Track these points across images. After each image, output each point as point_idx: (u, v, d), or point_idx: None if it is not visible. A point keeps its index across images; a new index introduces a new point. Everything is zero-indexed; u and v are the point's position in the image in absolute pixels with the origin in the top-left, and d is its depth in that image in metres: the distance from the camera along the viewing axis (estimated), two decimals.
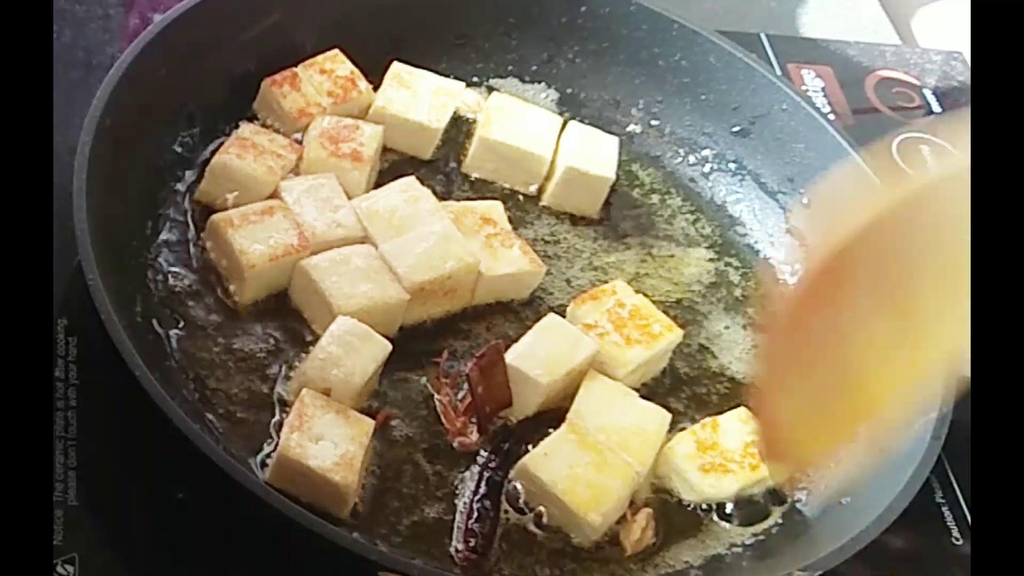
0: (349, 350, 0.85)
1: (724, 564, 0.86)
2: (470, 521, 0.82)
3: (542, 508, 0.84)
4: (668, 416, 0.89)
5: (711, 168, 1.12)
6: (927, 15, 1.49)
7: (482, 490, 0.84)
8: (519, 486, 0.85)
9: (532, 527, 0.83)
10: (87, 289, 0.78)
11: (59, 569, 0.77)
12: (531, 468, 0.84)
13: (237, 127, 0.99)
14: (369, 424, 0.82)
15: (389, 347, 0.86)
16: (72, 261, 0.81)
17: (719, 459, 0.88)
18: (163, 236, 0.92)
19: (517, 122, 1.05)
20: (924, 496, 0.84)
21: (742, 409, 0.91)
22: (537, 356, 0.88)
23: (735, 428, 0.89)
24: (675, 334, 0.94)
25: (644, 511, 0.86)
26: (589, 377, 0.89)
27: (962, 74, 1.37)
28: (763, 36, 1.32)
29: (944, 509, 0.95)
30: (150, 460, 0.81)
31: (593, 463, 0.84)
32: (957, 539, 0.94)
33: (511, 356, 0.88)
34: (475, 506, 0.83)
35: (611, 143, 1.07)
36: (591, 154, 1.05)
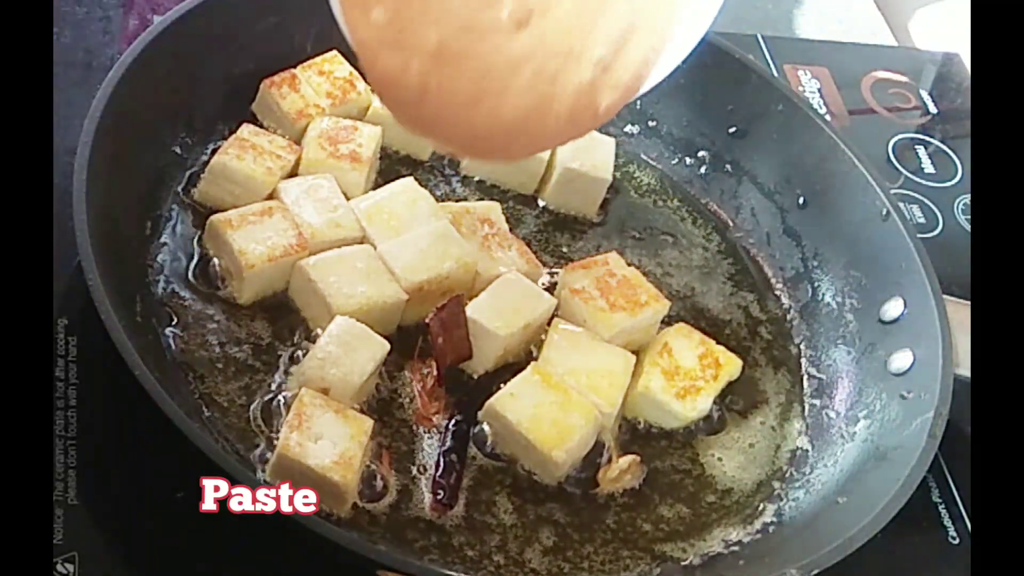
0: (348, 350, 0.85)
1: (721, 563, 0.86)
2: (437, 473, 0.84)
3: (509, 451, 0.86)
4: (633, 358, 0.92)
5: (707, 169, 1.12)
6: (923, 16, 1.49)
7: (448, 443, 0.85)
8: (487, 428, 0.87)
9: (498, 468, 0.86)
10: (87, 289, 0.78)
11: (59, 568, 0.77)
12: (498, 408, 0.86)
13: (236, 128, 0.99)
14: (368, 423, 0.83)
15: (387, 347, 0.87)
16: (72, 261, 0.81)
17: (687, 381, 0.92)
18: (163, 236, 0.92)
19: None
20: (921, 495, 0.85)
21: (680, 325, 0.96)
22: (496, 309, 0.90)
23: (683, 345, 0.94)
24: (661, 304, 0.96)
25: (630, 457, 0.88)
26: (554, 326, 0.91)
27: (958, 75, 1.37)
28: (760, 37, 1.33)
29: (941, 508, 0.96)
30: (150, 460, 0.81)
31: (558, 403, 0.86)
32: (954, 538, 0.94)
33: (471, 309, 0.89)
34: (441, 459, 0.84)
35: (608, 144, 1.07)
36: (588, 156, 1.05)
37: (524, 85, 0.78)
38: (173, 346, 0.86)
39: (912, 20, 1.49)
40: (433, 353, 0.88)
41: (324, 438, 0.80)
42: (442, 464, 0.84)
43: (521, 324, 0.90)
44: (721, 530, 0.88)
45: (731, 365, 0.95)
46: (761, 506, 0.90)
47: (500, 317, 0.89)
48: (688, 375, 0.93)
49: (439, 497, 0.83)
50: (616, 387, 0.89)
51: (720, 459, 0.92)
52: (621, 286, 0.95)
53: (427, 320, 0.88)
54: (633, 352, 0.93)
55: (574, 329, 0.92)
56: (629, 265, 0.98)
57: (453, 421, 0.87)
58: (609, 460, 0.88)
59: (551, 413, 0.85)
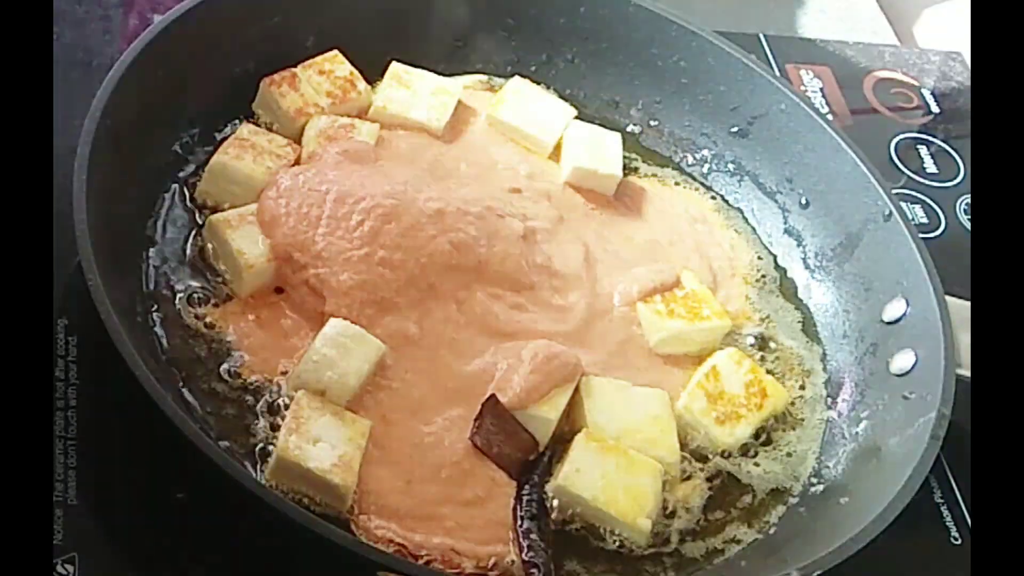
0: (343, 352, 0.85)
1: (724, 563, 0.86)
2: (524, 555, 0.81)
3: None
4: (667, 394, 0.91)
5: (710, 168, 1.12)
6: (925, 16, 1.49)
7: (525, 525, 0.83)
8: (555, 502, 0.85)
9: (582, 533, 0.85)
10: (87, 289, 0.78)
11: (59, 569, 0.77)
12: (568, 487, 0.84)
13: (236, 127, 0.99)
14: (366, 425, 0.83)
15: (383, 347, 0.86)
16: (72, 261, 0.81)
17: (729, 407, 0.92)
18: (163, 236, 0.92)
19: (528, 107, 1.07)
20: (923, 496, 0.85)
21: (733, 350, 0.95)
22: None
23: (731, 370, 0.93)
24: (723, 322, 0.96)
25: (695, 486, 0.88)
26: (584, 387, 0.89)
27: (960, 74, 1.37)
28: (762, 36, 1.33)
29: (943, 509, 0.95)
30: (150, 460, 0.81)
31: (622, 466, 0.85)
32: (956, 539, 0.94)
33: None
34: (524, 542, 0.82)
35: (614, 139, 1.07)
36: (596, 152, 1.05)
37: None
38: (172, 345, 0.86)
39: (914, 19, 1.49)
40: (500, 464, 0.86)
41: (323, 440, 0.80)
42: (526, 546, 0.82)
43: (565, 400, 0.88)
44: (731, 529, 0.88)
45: (777, 397, 0.94)
46: (771, 508, 0.90)
47: (547, 401, 0.88)
48: (731, 401, 0.92)
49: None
50: (667, 432, 0.89)
51: (758, 464, 0.92)
52: (686, 299, 0.97)
53: (470, 438, 0.86)
54: (691, 361, 0.94)
55: (600, 380, 0.90)
56: None
57: (524, 495, 0.84)
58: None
59: (621, 480, 0.85)
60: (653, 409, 0.90)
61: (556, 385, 0.88)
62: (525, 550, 0.81)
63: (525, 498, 0.84)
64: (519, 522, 0.83)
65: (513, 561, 0.81)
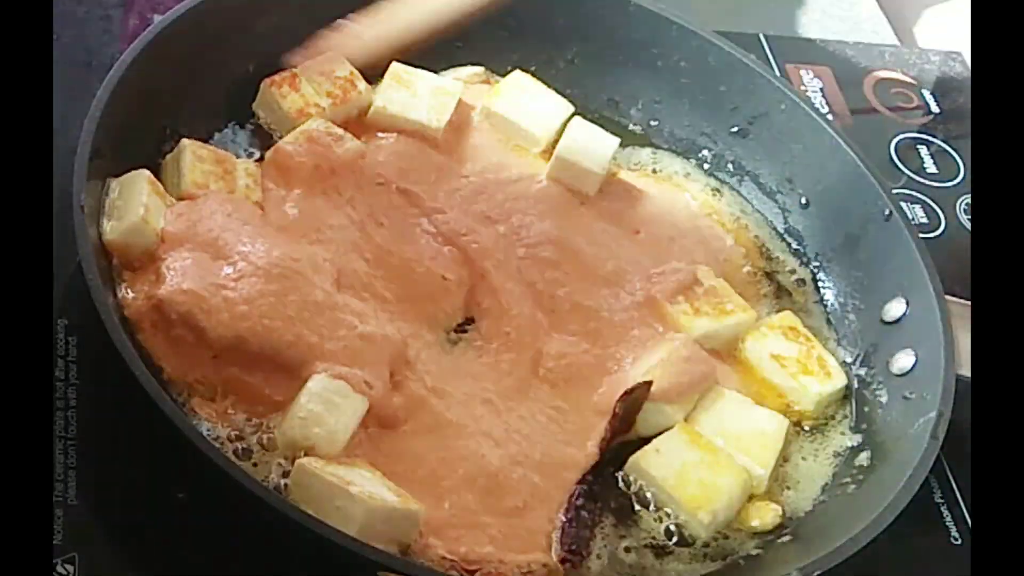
0: (330, 407, 0.81)
1: (724, 564, 0.86)
2: (568, 526, 0.82)
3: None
4: (787, 421, 0.91)
5: (709, 169, 1.12)
6: (925, 16, 1.49)
7: (579, 500, 0.84)
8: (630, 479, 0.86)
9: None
10: (87, 289, 0.78)
11: (59, 569, 0.77)
12: (642, 464, 0.86)
13: (237, 127, 0.99)
14: (363, 463, 0.80)
15: (367, 403, 0.83)
16: (72, 261, 0.81)
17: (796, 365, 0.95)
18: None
19: (524, 101, 1.06)
20: (923, 496, 0.85)
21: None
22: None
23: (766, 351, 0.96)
24: (749, 315, 0.97)
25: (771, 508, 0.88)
26: (712, 390, 0.91)
27: (960, 74, 1.37)
28: (762, 36, 1.33)
29: (943, 509, 0.95)
30: (150, 460, 0.81)
31: (705, 462, 0.86)
32: (956, 539, 0.94)
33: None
34: (572, 513, 0.83)
35: (609, 142, 1.06)
36: (585, 148, 1.04)
37: None
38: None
39: (914, 20, 1.49)
40: (608, 430, 0.88)
41: (356, 484, 0.77)
42: (573, 516, 0.83)
43: (692, 403, 0.90)
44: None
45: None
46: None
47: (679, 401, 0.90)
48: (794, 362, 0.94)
49: (570, 548, 0.81)
50: (769, 449, 0.89)
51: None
52: (708, 295, 0.97)
53: (616, 403, 0.88)
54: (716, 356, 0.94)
55: (730, 392, 0.92)
56: None
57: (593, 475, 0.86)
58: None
59: (698, 473, 0.85)
60: (766, 427, 0.90)
61: (696, 388, 0.90)
62: (571, 519, 0.82)
63: (588, 477, 0.85)
64: (575, 495, 0.84)
65: (546, 565, 0.81)
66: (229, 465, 0.74)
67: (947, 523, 0.95)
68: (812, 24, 1.41)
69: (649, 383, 0.88)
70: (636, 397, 0.88)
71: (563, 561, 0.81)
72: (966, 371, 0.90)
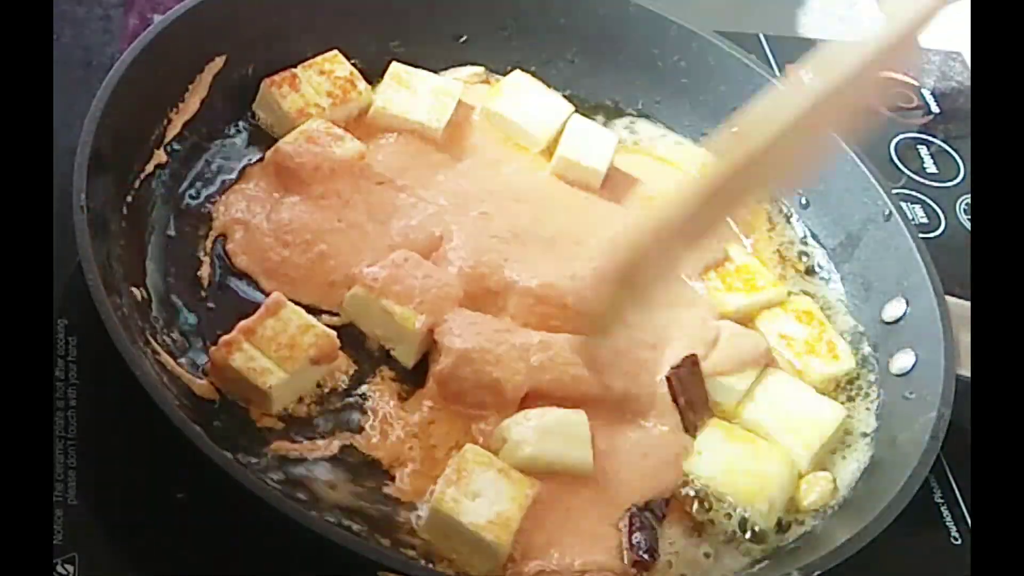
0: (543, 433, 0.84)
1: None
2: (633, 534, 0.83)
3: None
4: (844, 412, 0.92)
5: None
6: None
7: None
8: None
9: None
10: (87, 289, 0.78)
11: (59, 569, 0.77)
12: (692, 471, 0.87)
13: (237, 127, 0.99)
14: (534, 485, 0.80)
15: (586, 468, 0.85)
16: (72, 261, 0.81)
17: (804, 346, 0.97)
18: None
19: (524, 101, 1.07)
20: (923, 496, 0.85)
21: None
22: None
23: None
24: (779, 290, 0.99)
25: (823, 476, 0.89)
26: (766, 373, 0.93)
27: (960, 74, 1.37)
28: (762, 37, 1.32)
29: (943, 509, 0.95)
30: (150, 460, 0.81)
31: (748, 453, 0.87)
32: (956, 538, 0.94)
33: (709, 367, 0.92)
34: (635, 519, 0.83)
35: (608, 138, 1.06)
36: (585, 146, 1.05)
37: None
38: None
39: None
40: (680, 412, 0.90)
41: (482, 496, 0.78)
42: (636, 523, 0.83)
43: (754, 376, 0.92)
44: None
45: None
46: None
47: (738, 374, 0.92)
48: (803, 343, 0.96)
49: (640, 552, 0.82)
50: (816, 433, 0.90)
51: None
52: (739, 272, 0.99)
53: (667, 377, 0.90)
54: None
55: (786, 377, 0.93)
56: None
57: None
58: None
59: (743, 465, 0.86)
60: (820, 414, 0.91)
61: (749, 362, 0.92)
62: (635, 527, 0.83)
63: None
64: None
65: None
66: (229, 465, 0.74)
67: (947, 523, 0.95)
68: (812, 24, 1.41)
69: (694, 355, 0.90)
70: (690, 363, 0.90)
71: (635, 565, 0.81)
72: (966, 371, 0.90)
